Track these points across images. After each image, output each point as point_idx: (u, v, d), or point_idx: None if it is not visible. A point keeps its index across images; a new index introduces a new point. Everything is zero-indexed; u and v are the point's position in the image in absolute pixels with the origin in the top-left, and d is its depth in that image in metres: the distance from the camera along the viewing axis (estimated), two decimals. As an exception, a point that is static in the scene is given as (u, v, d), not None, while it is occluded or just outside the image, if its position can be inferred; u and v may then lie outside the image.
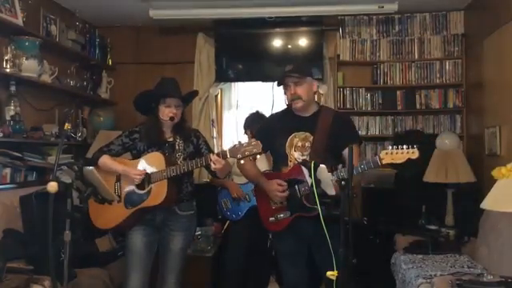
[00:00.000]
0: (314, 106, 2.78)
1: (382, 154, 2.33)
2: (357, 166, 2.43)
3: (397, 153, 2.31)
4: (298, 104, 2.67)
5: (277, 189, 2.64)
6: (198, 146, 2.93)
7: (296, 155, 2.68)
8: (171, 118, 2.81)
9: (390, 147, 2.33)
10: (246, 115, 3.98)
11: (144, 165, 2.80)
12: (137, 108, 2.95)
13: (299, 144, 2.69)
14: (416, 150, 2.30)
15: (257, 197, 2.88)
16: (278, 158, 2.79)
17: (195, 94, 3.09)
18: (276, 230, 2.75)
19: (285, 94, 2.76)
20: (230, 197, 3.83)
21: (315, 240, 2.56)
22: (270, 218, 2.71)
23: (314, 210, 2.46)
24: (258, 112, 3.94)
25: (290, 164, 2.69)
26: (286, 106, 2.85)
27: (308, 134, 2.68)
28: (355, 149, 2.62)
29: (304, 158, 2.65)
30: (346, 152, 2.57)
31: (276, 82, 2.79)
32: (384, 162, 2.33)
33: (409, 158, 2.31)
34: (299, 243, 2.70)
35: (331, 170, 2.49)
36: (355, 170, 2.39)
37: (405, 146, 2.31)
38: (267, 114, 3.99)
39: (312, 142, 2.65)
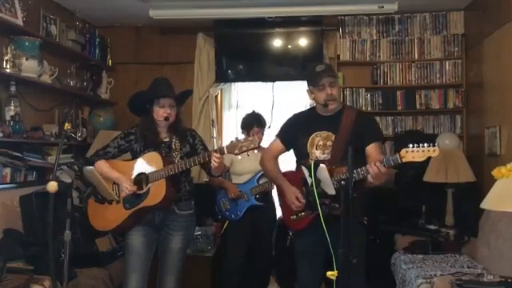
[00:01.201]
0: (339, 105, 2.78)
1: (403, 152, 2.29)
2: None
3: (417, 151, 2.26)
4: (334, 105, 2.68)
5: (293, 202, 2.66)
6: (195, 146, 2.93)
7: (317, 154, 2.68)
8: (166, 118, 2.81)
9: (411, 145, 2.27)
10: (243, 116, 3.98)
11: (141, 165, 2.80)
12: (131, 110, 2.95)
13: (321, 143, 2.69)
14: (437, 148, 2.25)
15: (279, 196, 2.90)
16: (300, 157, 2.78)
17: (189, 93, 3.07)
18: (297, 228, 2.76)
19: (313, 93, 2.73)
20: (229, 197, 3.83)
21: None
22: (292, 217, 2.72)
23: (333, 209, 2.46)
24: (254, 112, 3.95)
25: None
26: (310, 106, 2.91)
27: (330, 133, 2.67)
28: (377, 146, 2.62)
29: (325, 156, 2.64)
30: (368, 148, 2.60)
31: (307, 81, 2.77)
32: (404, 160, 2.28)
33: (429, 156, 2.26)
34: (317, 243, 2.67)
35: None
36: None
37: (425, 144, 2.26)
38: (265, 114, 4.01)
39: (333, 141, 2.65)
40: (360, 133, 2.63)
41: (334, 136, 2.66)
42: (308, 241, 2.72)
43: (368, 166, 2.39)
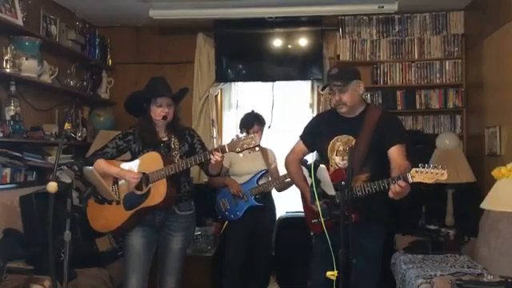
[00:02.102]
0: (361, 107, 2.70)
1: (413, 171, 2.26)
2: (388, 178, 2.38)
3: (427, 172, 2.25)
4: (343, 109, 2.65)
5: (313, 202, 2.64)
6: (193, 145, 2.92)
7: (337, 160, 2.64)
8: (164, 118, 2.80)
9: (421, 165, 2.26)
10: (243, 115, 3.98)
11: (141, 165, 2.78)
12: (128, 110, 2.94)
13: (341, 148, 2.64)
14: (445, 172, 2.25)
15: (302, 198, 2.87)
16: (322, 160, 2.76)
17: (186, 91, 3.04)
18: (317, 231, 2.73)
19: (330, 94, 2.75)
20: (229, 196, 3.82)
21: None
22: (313, 221, 2.71)
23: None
24: (253, 112, 3.95)
25: (331, 169, 2.64)
26: (330, 108, 2.88)
27: (351, 137, 2.62)
28: (399, 149, 2.55)
29: (344, 163, 2.59)
30: (390, 152, 2.54)
31: (321, 84, 2.78)
32: (414, 180, 2.26)
33: (437, 180, 2.25)
34: (334, 246, 2.56)
35: (369, 178, 2.47)
36: (386, 182, 2.37)
37: (435, 167, 2.25)
38: (265, 114, 4.01)
39: (354, 146, 2.58)
40: (382, 135, 2.56)
41: (354, 140, 2.60)
42: (326, 242, 2.69)
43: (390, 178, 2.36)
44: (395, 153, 2.53)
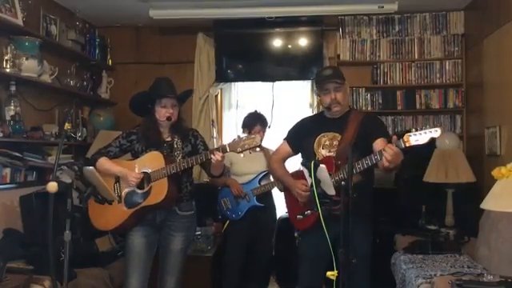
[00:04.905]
0: (346, 109, 2.83)
1: (406, 136, 2.30)
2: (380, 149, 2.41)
3: (420, 133, 2.27)
4: (336, 108, 2.74)
5: (300, 187, 2.68)
6: (196, 146, 2.93)
7: (323, 152, 2.72)
8: (168, 118, 2.81)
9: (414, 130, 2.32)
10: (245, 115, 3.99)
11: (143, 164, 2.80)
12: (133, 110, 2.95)
13: (327, 143, 2.73)
14: (439, 129, 2.25)
15: (285, 197, 2.92)
16: (306, 157, 2.77)
17: (190, 92, 3.07)
18: (302, 228, 2.78)
19: (319, 96, 2.81)
20: (230, 196, 3.82)
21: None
22: (298, 216, 2.72)
23: (333, 209, 2.46)
24: (256, 112, 3.96)
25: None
26: (321, 109, 2.95)
27: (337, 134, 2.72)
28: (384, 141, 2.60)
29: (331, 154, 2.68)
30: (375, 144, 2.60)
31: (311, 83, 2.82)
32: (408, 144, 2.28)
33: (432, 138, 2.25)
34: (322, 245, 2.56)
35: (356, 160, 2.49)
36: (379, 154, 2.38)
37: (428, 127, 2.27)
38: (265, 114, 4.01)
39: (339, 140, 2.69)
40: (366, 132, 2.65)
41: (340, 136, 2.70)
42: (313, 242, 2.70)
43: (381, 150, 2.36)
44: (379, 144, 2.58)
